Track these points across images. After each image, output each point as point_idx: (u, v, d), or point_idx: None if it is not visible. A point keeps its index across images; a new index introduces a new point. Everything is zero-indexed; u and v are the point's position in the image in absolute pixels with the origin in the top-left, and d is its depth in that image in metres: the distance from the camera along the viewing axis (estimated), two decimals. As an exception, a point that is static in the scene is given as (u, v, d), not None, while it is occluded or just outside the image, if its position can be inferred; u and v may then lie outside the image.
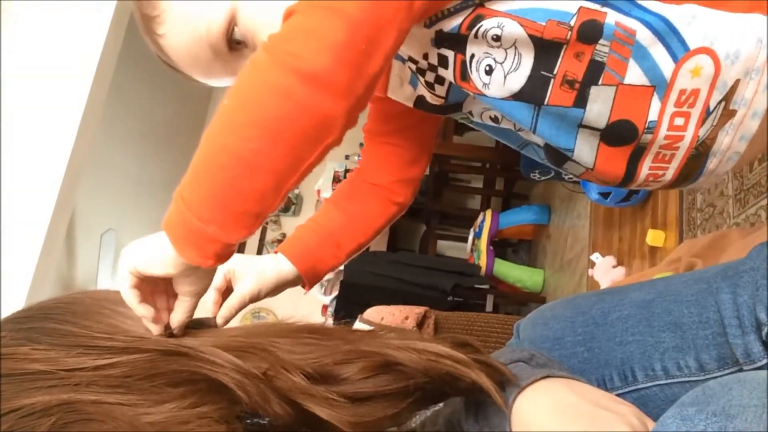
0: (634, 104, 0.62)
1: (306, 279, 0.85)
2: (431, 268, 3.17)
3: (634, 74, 0.60)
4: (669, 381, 0.57)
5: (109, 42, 2.03)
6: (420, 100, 0.76)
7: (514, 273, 3.53)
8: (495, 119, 0.74)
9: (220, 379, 0.50)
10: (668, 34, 0.59)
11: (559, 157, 0.71)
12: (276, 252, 0.85)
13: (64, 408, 0.47)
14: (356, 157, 3.92)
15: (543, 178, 3.10)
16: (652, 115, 0.62)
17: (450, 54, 0.64)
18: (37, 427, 0.46)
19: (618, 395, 0.58)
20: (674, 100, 0.62)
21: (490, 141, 4.18)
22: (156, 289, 0.58)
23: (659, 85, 0.61)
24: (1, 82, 1.95)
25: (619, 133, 0.64)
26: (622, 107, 0.62)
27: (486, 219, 3.62)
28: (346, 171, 3.94)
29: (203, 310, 0.69)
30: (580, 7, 0.59)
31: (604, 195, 2.31)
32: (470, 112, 0.76)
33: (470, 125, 0.79)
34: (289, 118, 0.49)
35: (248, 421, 0.52)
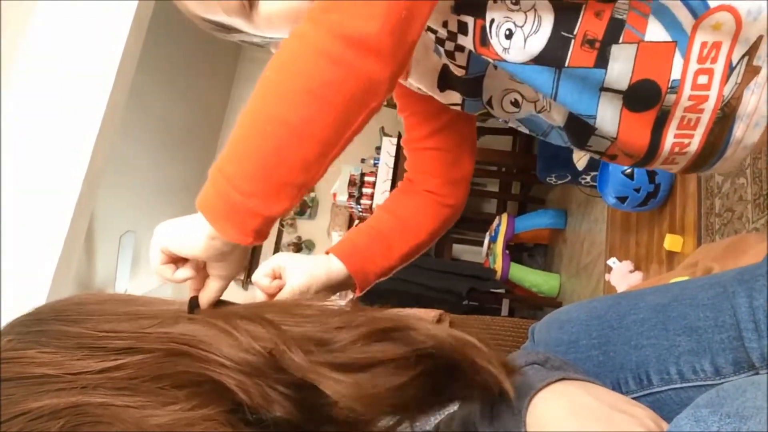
0: (656, 62, 0.61)
1: (356, 279, 0.85)
2: (447, 271, 3.17)
3: (655, 30, 0.60)
4: (684, 385, 0.57)
5: (130, 44, 2.05)
6: (445, 71, 0.76)
7: (529, 277, 3.51)
8: (515, 103, 0.74)
9: (223, 381, 0.51)
10: None
11: (582, 132, 0.70)
12: (327, 253, 0.85)
13: (73, 411, 0.48)
14: (372, 161, 3.92)
15: (559, 182, 3.09)
16: (675, 73, 0.61)
17: (470, 20, 0.64)
18: (46, 429, 0.47)
19: (633, 399, 0.58)
20: (696, 56, 0.60)
21: (507, 145, 4.17)
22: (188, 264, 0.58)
23: (680, 40, 0.60)
24: (23, 84, 1.98)
25: (642, 95, 0.63)
26: (644, 65, 0.61)
27: (502, 223, 3.61)
28: (362, 174, 3.94)
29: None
30: None
31: (622, 199, 2.30)
32: (490, 102, 0.76)
33: (486, 126, 0.79)
34: (338, 82, 0.50)
35: (252, 422, 0.53)
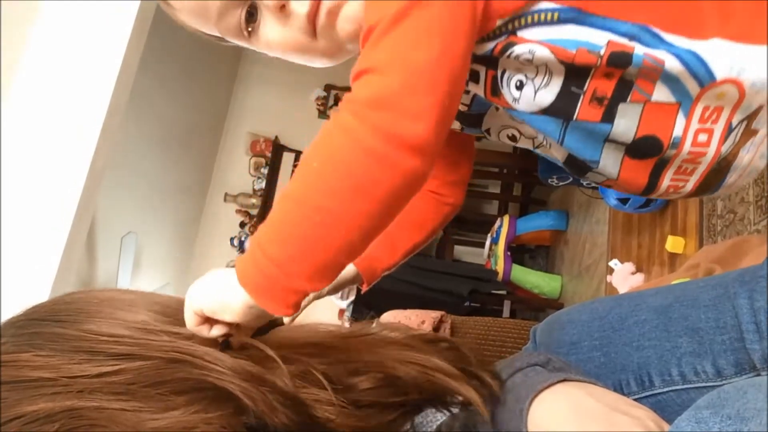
0: (660, 120, 0.63)
1: (364, 277, 0.88)
2: (448, 273, 3.17)
3: (662, 93, 0.61)
4: (686, 386, 0.57)
5: (132, 46, 2.06)
6: None
7: (531, 279, 3.51)
8: (513, 138, 0.75)
9: (226, 387, 0.51)
10: (696, 65, 0.60)
11: (582, 170, 0.72)
12: None
13: (68, 414, 0.48)
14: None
15: (561, 183, 3.09)
16: (677, 131, 0.63)
17: (482, 69, 0.65)
18: None
19: (635, 400, 0.58)
20: (698, 117, 0.63)
21: (508, 146, 4.16)
22: None
23: (684, 103, 0.62)
24: (26, 85, 1.98)
25: (645, 148, 0.65)
26: (649, 123, 0.63)
27: (503, 224, 3.61)
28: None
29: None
30: (609, 41, 0.59)
31: (623, 201, 2.30)
32: (488, 131, 0.77)
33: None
34: (384, 181, 0.52)
35: (255, 427, 0.53)
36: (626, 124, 0.63)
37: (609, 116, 0.63)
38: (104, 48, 2.02)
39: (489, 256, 3.71)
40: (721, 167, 0.67)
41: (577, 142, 0.66)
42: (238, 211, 4.58)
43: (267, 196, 4.52)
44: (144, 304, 0.59)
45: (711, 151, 0.65)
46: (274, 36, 0.65)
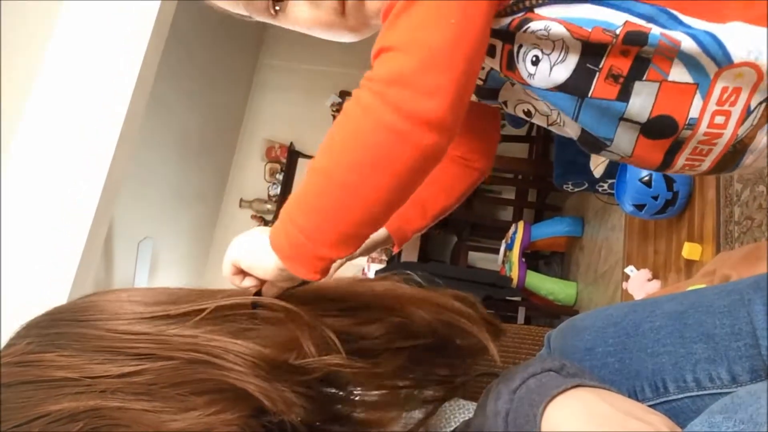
0: (676, 101, 0.63)
1: (395, 238, 0.90)
2: (462, 279, 3.16)
3: (679, 72, 0.61)
4: (701, 392, 0.57)
5: (149, 54, 2.08)
6: None
7: (546, 285, 3.49)
8: (528, 113, 0.75)
9: (245, 387, 0.51)
10: (713, 46, 0.60)
11: (595, 146, 0.72)
12: None
13: (91, 414, 0.49)
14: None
15: (576, 189, 3.07)
16: (693, 112, 0.63)
17: (498, 43, 0.65)
18: None
19: (649, 406, 0.58)
20: (716, 99, 0.62)
21: (523, 152, 4.15)
22: None
23: (702, 83, 0.62)
24: (46, 93, 2.01)
25: (659, 128, 0.65)
26: (664, 103, 0.63)
27: (518, 230, 3.59)
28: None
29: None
30: (626, 21, 0.60)
31: (639, 207, 2.28)
32: (505, 103, 0.77)
33: (502, 133, 0.80)
34: (404, 157, 0.54)
35: (273, 428, 0.53)
36: (642, 102, 0.63)
37: (625, 94, 0.63)
38: (123, 55, 2.05)
39: (503, 263, 3.69)
40: (737, 149, 0.67)
41: (592, 120, 0.66)
42: (253, 217, 4.60)
43: (282, 202, 4.52)
44: (164, 299, 0.60)
45: (727, 133, 0.64)
46: (304, 15, 0.67)
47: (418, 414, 0.64)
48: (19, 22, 1.92)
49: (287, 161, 4.60)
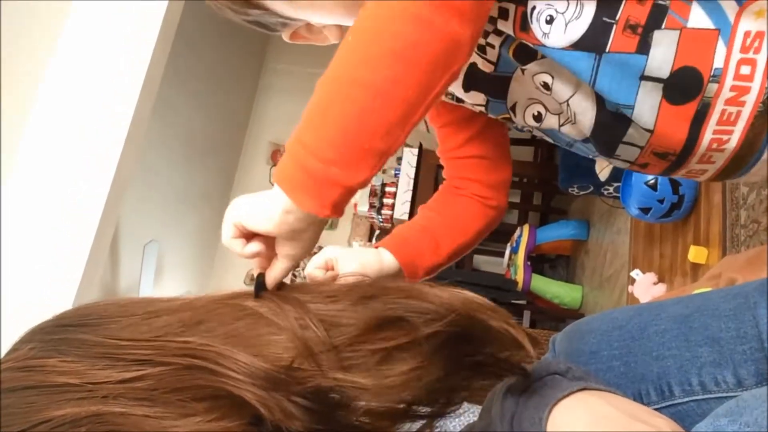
0: (699, 49, 0.60)
1: (406, 271, 0.86)
2: (468, 282, 3.16)
3: (698, 17, 0.59)
4: (706, 396, 0.57)
5: (156, 57, 2.09)
6: (472, 70, 0.76)
7: (551, 289, 3.49)
8: (538, 117, 0.74)
9: (242, 395, 0.51)
10: None
11: (611, 140, 0.69)
12: (376, 247, 0.88)
13: (93, 419, 0.49)
14: (393, 171, 3.93)
15: (582, 192, 3.07)
16: (718, 62, 0.61)
17: (511, 6, 0.64)
18: None
19: (654, 410, 0.58)
20: (739, 45, 0.60)
21: (528, 155, 4.15)
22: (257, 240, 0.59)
23: (723, 28, 0.59)
24: (53, 95, 2.02)
25: (683, 84, 0.62)
26: (687, 52, 0.61)
27: (523, 234, 3.59)
28: (383, 185, 3.95)
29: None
30: None
31: (645, 210, 2.28)
32: (513, 108, 0.76)
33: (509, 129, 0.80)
34: (423, 43, 0.50)
35: None
36: (662, 54, 0.61)
37: (644, 46, 0.61)
38: (130, 57, 2.06)
39: (509, 266, 3.69)
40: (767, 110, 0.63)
41: (611, 81, 0.63)
42: (258, 220, 4.61)
43: (287, 205, 4.54)
44: (165, 309, 0.60)
45: (755, 86, 0.61)
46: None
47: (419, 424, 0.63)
48: (27, 24, 1.93)
49: (292, 164, 4.60)
